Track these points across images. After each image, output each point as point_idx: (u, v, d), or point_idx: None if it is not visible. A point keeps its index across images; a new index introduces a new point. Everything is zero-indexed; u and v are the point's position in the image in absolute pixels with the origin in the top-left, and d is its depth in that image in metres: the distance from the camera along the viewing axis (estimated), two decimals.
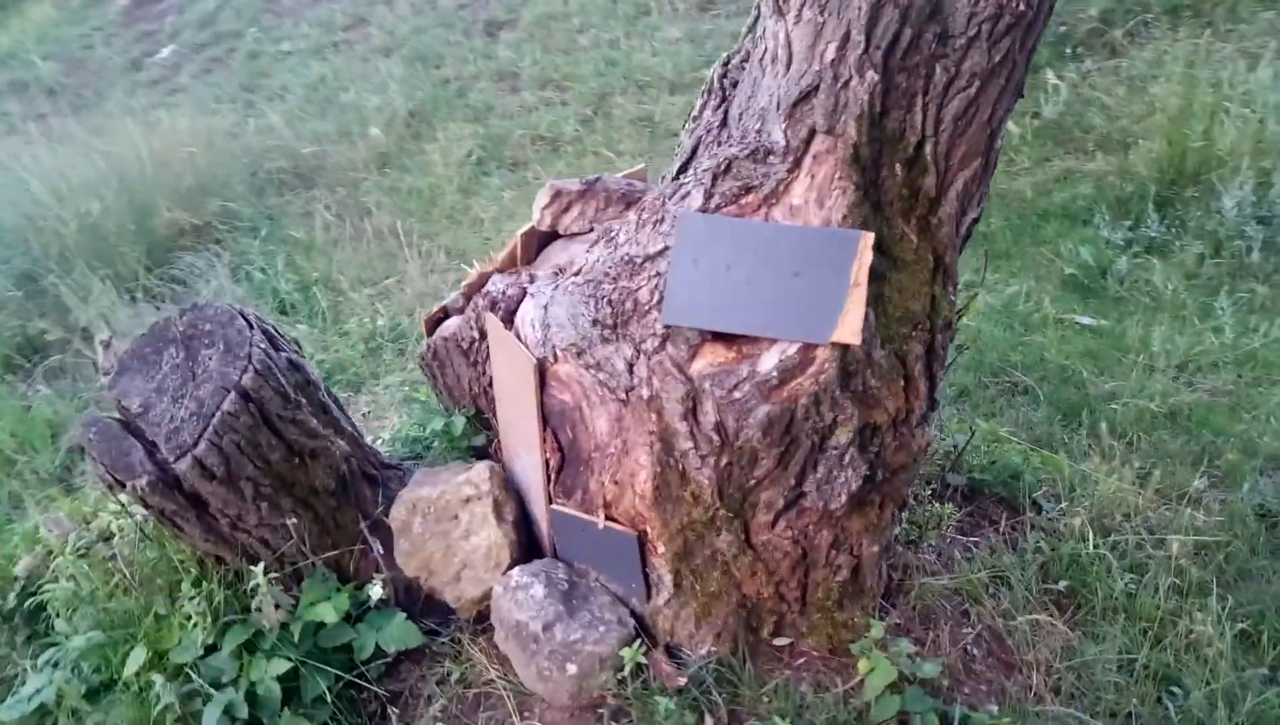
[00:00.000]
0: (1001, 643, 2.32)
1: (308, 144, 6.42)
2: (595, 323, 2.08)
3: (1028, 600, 2.41)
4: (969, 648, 2.29)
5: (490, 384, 2.48)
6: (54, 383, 4.51)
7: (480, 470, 2.31)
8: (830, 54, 1.97)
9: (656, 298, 2.04)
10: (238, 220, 5.38)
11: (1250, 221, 4.41)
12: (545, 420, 2.18)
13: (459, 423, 2.49)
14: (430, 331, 2.59)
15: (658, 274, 2.05)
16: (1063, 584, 2.47)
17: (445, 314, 2.59)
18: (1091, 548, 2.58)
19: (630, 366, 2.04)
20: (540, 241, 2.63)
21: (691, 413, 1.98)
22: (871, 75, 1.95)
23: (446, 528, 2.29)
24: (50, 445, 4.06)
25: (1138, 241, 4.59)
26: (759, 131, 2.08)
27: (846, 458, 2.01)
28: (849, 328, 1.94)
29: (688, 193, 2.09)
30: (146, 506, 2.11)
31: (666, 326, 2.01)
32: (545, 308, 2.18)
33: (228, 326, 2.18)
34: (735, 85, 2.48)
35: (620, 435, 2.08)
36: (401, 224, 5.42)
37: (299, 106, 7.09)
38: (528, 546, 2.34)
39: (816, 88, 2.00)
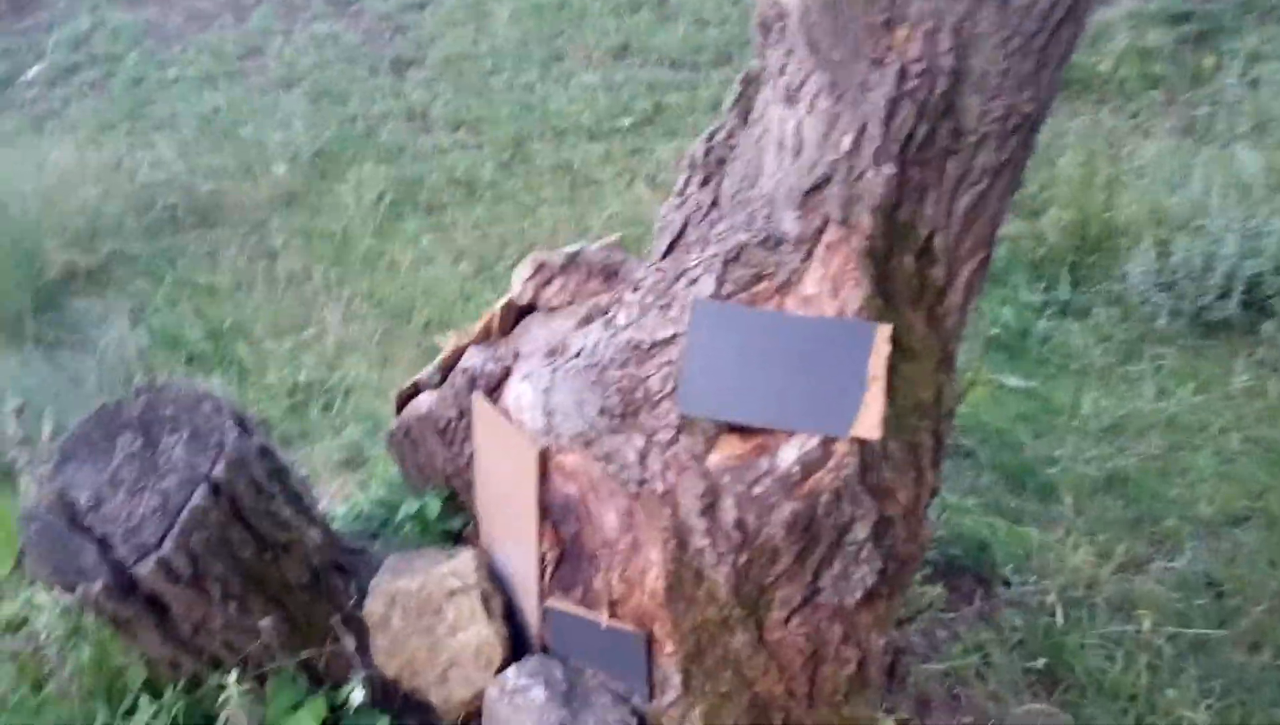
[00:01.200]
0: None
1: (205, 180, 6.07)
2: (603, 412, 1.99)
3: (1013, 681, 2.42)
4: None
5: (467, 465, 2.34)
6: None
7: (465, 560, 2.17)
8: (846, 145, 1.95)
9: (669, 387, 1.96)
10: (134, 262, 5.03)
11: (1154, 289, 4.66)
12: (544, 512, 2.07)
13: (434, 505, 2.34)
14: (400, 408, 2.44)
15: (668, 362, 1.98)
16: (1041, 662, 2.50)
17: (416, 390, 2.44)
18: (1062, 620, 2.63)
19: (642, 458, 1.95)
20: (516, 314, 2.52)
21: (710, 509, 1.90)
22: (888, 168, 1.93)
23: (430, 623, 2.13)
24: None
25: (1053, 304, 4.78)
26: (768, 218, 2.04)
27: (863, 553, 1.96)
28: (869, 422, 1.91)
29: (696, 278, 2.03)
30: (98, 613, 1.88)
31: (682, 417, 1.93)
32: (546, 393, 2.07)
33: (193, 411, 1.99)
34: (721, 162, 2.44)
35: (630, 531, 1.98)
36: (315, 268, 5.18)
37: (192, 139, 6.70)
38: (513, 641, 2.20)
39: (830, 178, 1.97)
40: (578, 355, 2.11)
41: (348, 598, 2.21)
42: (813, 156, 2.00)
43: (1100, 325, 4.56)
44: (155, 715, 1.90)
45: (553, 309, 2.49)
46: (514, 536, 2.16)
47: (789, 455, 1.91)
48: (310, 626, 2.13)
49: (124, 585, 1.85)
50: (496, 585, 2.20)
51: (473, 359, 2.36)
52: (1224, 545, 3.19)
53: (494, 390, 2.31)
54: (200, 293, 4.90)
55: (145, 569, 1.83)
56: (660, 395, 1.96)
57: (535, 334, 2.42)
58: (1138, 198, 4.99)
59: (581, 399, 2.02)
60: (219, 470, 1.90)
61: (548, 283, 2.45)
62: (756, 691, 2.03)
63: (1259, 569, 3.05)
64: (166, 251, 5.28)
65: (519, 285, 2.44)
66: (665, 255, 2.34)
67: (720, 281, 2.00)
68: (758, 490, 1.89)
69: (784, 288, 1.98)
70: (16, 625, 2.54)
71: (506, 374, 2.31)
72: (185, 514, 1.86)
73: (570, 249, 2.51)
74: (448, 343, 2.44)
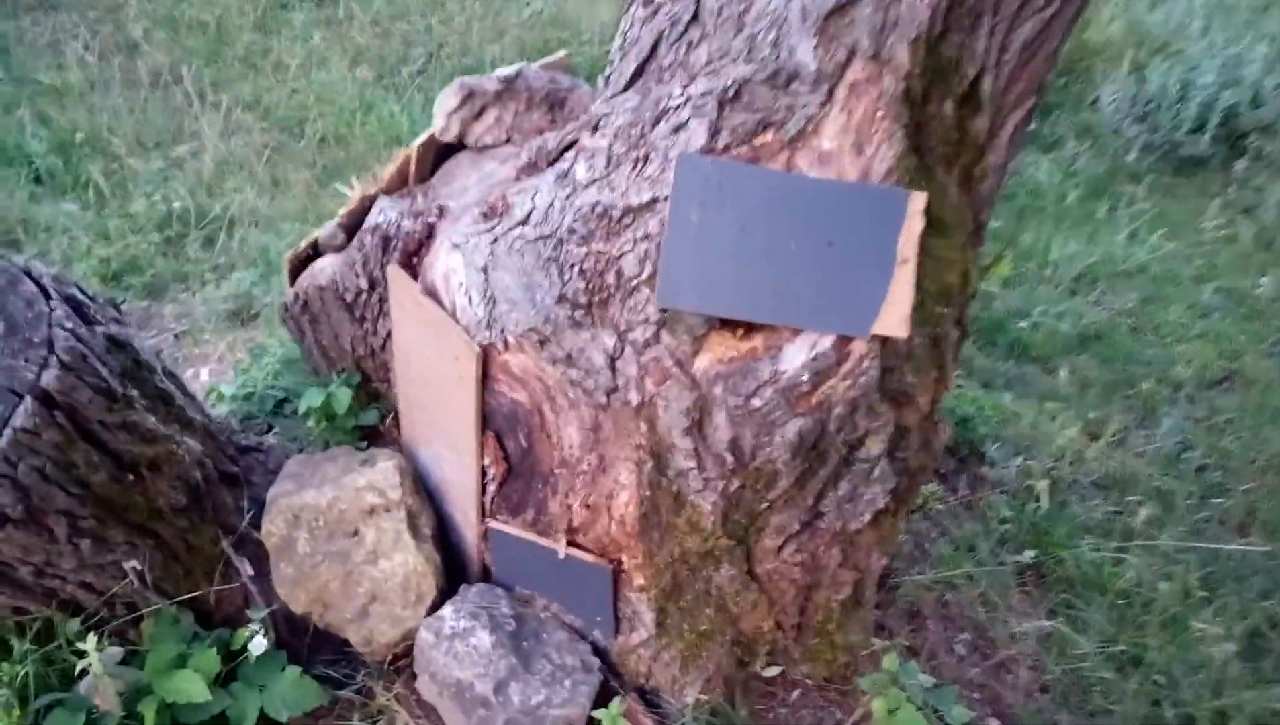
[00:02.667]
0: (984, 635, 2.10)
1: None
2: (562, 300, 1.55)
3: (1003, 583, 2.20)
4: (956, 648, 2.06)
5: (384, 345, 1.90)
6: None
7: (386, 472, 1.76)
8: None
9: (647, 270, 1.53)
10: None
11: (1128, 121, 4.31)
12: (486, 419, 1.66)
13: (343, 396, 1.91)
14: (295, 275, 1.95)
15: (646, 236, 1.54)
16: (1030, 556, 2.28)
17: (315, 251, 1.95)
18: (1048, 504, 2.42)
19: (613, 361, 1.54)
20: (439, 154, 2.01)
21: (697, 426, 1.53)
22: None
23: (344, 547, 1.75)
24: None
25: None
26: (775, 45, 1.56)
27: (876, 472, 1.63)
28: (895, 317, 1.53)
29: (682, 123, 1.56)
30: None
31: (663, 310, 1.52)
32: (485, 271, 1.61)
33: (7, 295, 1.48)
34: None
35: (596, 448, 1.60)
36: (185, 68, 4.40)
37: None
38: (448, 564, 1.84)
39: None
40: (525, 221, 1.64)
41: (239, 515, 1.80)
42: None
43: (1070, 159, 4.21)
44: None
45: (484, 148, 1.99)
46: (447, 441, 1.76)
47: (796, 358, 1.53)
48: (193, 554, 1.73)
49: None
50: (424, 498, 1.82)
51: (386, 213, 1.87)
52: (1201, 411, 3.00)
53: (414, 254, 1.84)
54: (44, 94, 4.11)
55: None
56: (636, 280, 1.53)
57: (464, 182, 1.93)
58: (1118, 13, 4.55)
59: (532, 282, 1.58)
60: (50, 377, 1.43)
61: (479, 115, 1.94)
62: (742, 629, 1.73)
63: (1240, 438, 2.88)
64: None
65: (442, 118, 1.92)
66: (630, 84, 1.85)
67: (714, 130, 1.54)
68: (757, 403, 1.52)
69: (796, 140, 1.53)
70: None
71: (430, 233, 1.84)
72: (5, 438, 1.39)
73: (506, 71, 1.98)
74: (353, 191, 1.94)
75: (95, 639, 1.49)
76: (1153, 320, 3.37)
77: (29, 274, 1.49)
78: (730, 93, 1.55)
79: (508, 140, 1.99)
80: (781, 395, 1.51)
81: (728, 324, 1.54)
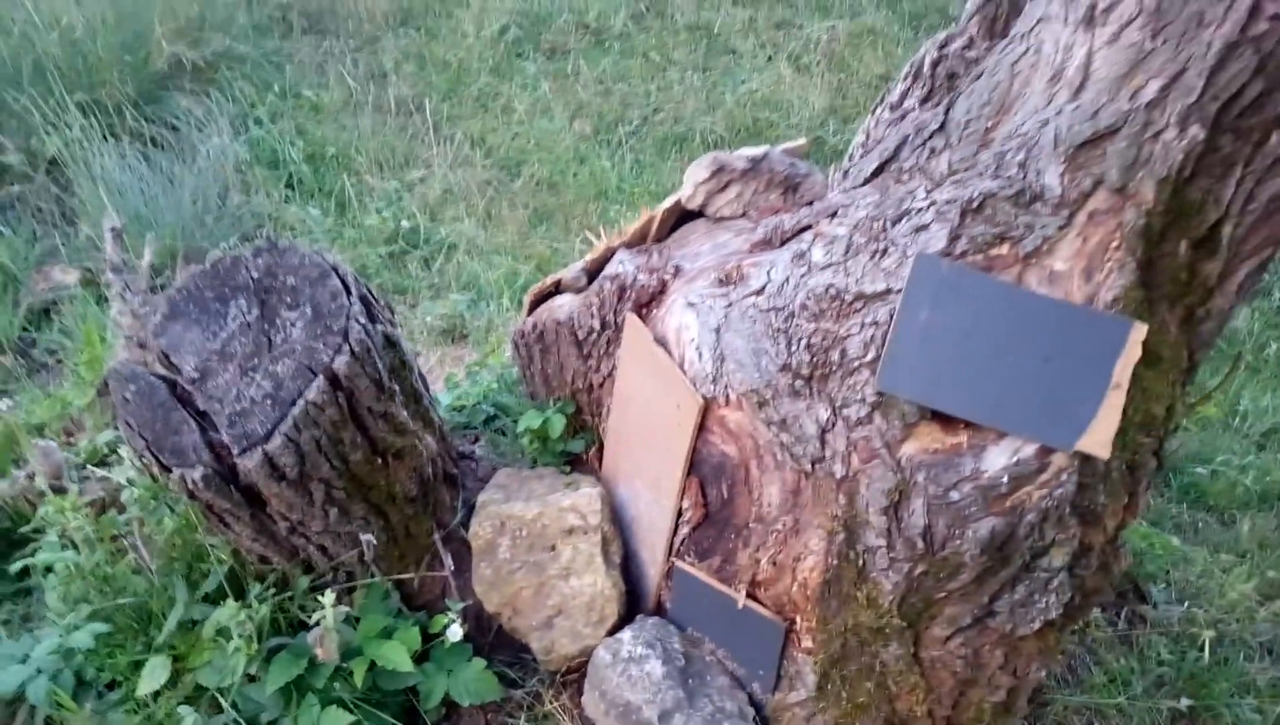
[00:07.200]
0: None
1: None
2: (785, 368, 1.69)
3: (1154, 721, 2.18)
4: None
5: (602, 383, 2.08)
6: (6, 213, 3.88)
7: (589, 497, 1.93)
8: (1149, 93, 1.57)
9: (870, 353, 1.65)
10: (241, 64, 4.71)
11: None
12: (693, 466, 1.81)
13: (558, 422, 2.09)
14: (534, 306, 2.16)
15: (874, 323, 1.66)
16: (1185, 704, 2.24)
17: (556, 288, 2.16)
18: (1210, 657, 2.37)
19: (824, 433, 1.67)
20: (677, 218, 2.20)
21: (895, 508, 1.63)
22: (1196, 131, 1.56)
23: (541, 559, 1.92)
24: (6, 301, 3.51)
25: None
26: (1023, 166, 1.68)
27: (1054, 582, 1.69)
28: (1099, 437, 1.60)
29: (925, 225, 1.69)
30: (192, 497, 1.68)
31: (880, 393, 1.63)
32: (718, 332, 1.77)
33: (317, 286, 1.72)
34: (953, 79, 2.07)
35: (793, 511, 1.72)
36: (426, 100, 4.83)
37: None
38: (628, 594, 1.98)
39: (1117, 131, 1.60)
40: (760, 291, 1.80)
41: (453, 513, 2.00)
42: (1098, 99, 1.62)
43: (1277, 310, 4.10)
44: (242, 619, 1.71)
45: (720, 219, 2.17)
46: (648, 479, 1.91)
47: (998, 461, 1.61)
48: (409, 540, 1.93)
49: (224, 474, 1.64)
50: (617, 529, 1.97)
51: (624, 266, 2.06)
52: None
53: (645, 305, 2.02)
54: (305, 108, 4.59)
55: (250, 462, 1.62)
56: (858, 362, 1.66)
57: (697, 247, 2.11)
58: None
59: (760, 348, 1.73)
60: (340, 362, 1.66)
61: (723, 188, 2.12)
62: (896, 708, 1.80)
63: None
64: (275, 56, 4.95)
65: (691, 187, 2.11)
66: (869, 180, 2.00)
67: (954, 235, 1.66)
68: (955, 496, 1.61)
69: (1030, 257, 1.64)
70: (98, 460, 2.40)
71: (662, 289, 2.02)
72: (299, 407, 1.63)
73: (753, 151, 2.16)
74: (599, 241, 2.14)
75: (332, 596, 1.70)
76: None
77: (336, 269, 1.74)
78: (974, 203, 1.67)
79: (743, 215, 2.16)
80: (980, 492, 1.60)
81: (938, 417, 1.64)
